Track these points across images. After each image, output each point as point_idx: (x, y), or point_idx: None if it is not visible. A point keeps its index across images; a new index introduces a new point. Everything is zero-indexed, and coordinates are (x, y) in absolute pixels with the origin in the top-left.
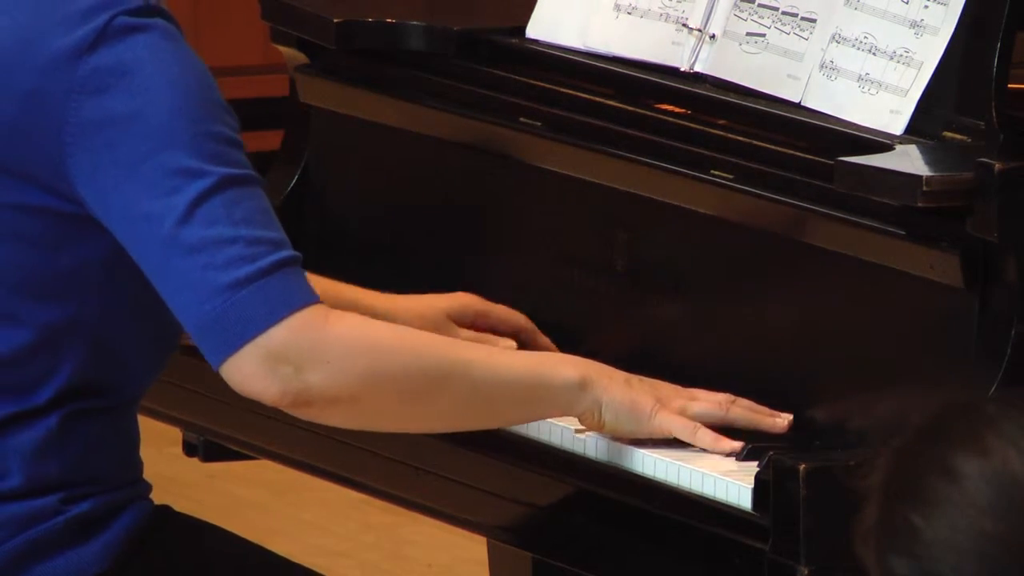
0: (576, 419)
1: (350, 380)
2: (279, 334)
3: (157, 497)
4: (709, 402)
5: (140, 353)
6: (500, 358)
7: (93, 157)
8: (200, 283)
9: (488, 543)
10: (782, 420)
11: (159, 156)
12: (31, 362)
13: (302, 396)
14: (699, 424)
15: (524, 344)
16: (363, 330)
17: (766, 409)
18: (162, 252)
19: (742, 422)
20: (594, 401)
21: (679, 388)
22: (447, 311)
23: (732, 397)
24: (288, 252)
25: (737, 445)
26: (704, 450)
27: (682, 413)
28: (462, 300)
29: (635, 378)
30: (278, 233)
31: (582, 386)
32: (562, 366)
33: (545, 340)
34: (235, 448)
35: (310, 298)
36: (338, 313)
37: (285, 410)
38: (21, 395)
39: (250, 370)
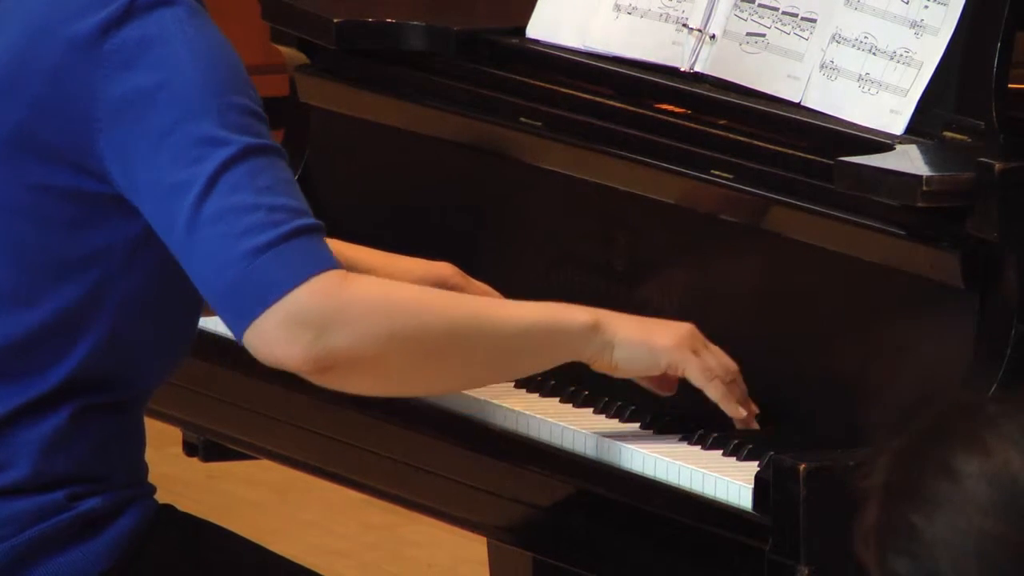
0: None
1: (372, 341)
2: (299, 297)
3: (158, 497)
4: (719, 362)
5: (151, 350)
6: (515, 310)
7: (122, 131)
8: (220, 251)
9: (488, 543)
10: (749, 414)
11: (184, 127)
12: (42, 347)
13: (325, 360)
14: (716, 374)
15: None
16: (382, 291)
17: (741, 396)
18: (186, 223)
19: (718, 399)
20: (606, 343)
21: (696, 332)
22: (422, 283)
23: (736, 369)
24: (309, 219)
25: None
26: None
27: (700, 355)
28: (442, 272)
29: (647, 319)
30: (300, 202)
31: (595, 328)
32: (574, 311)
33: None
34: (235, 448)
35: (330, 263)
36: (356, 275)
37: (308, 377)
38: (30, 382)
39: (272, 336)
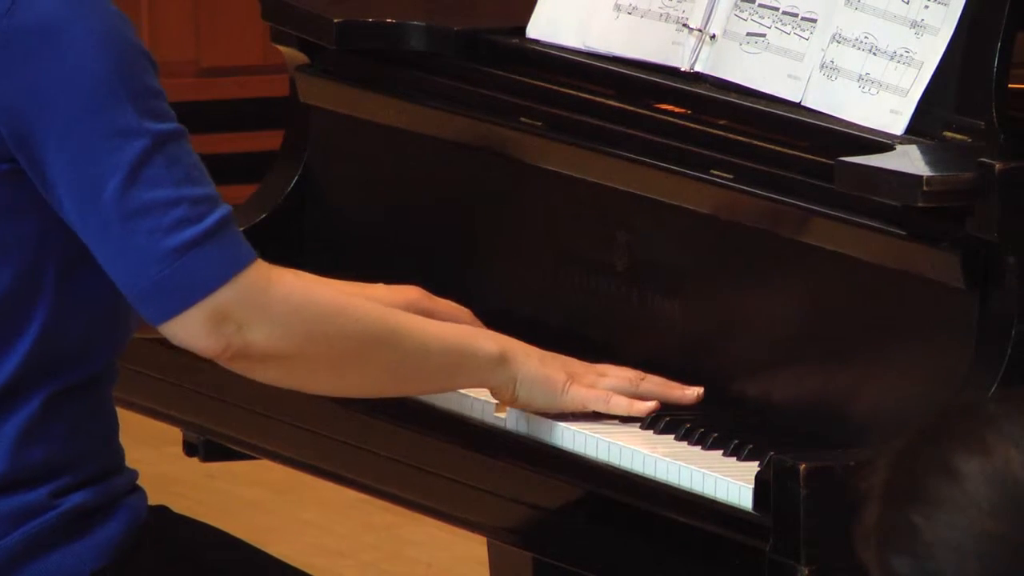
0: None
1: (290, 339)
2: (224, 295)
3: (157, 497)
4: (619, 378)
5: (102, 319)
6: (430, 328)
7: (31, 121)
8: (145, 248)
9: (488, 543)
10: (691, 392)
11: (95, 117)
12: None
13: (242, 351)
14: (611, 393)
15: None
16: (305, 290)
17: (677, 384)
18: (104, 215)
19: (652, 396)
20: (510, 376)
21: (589, 364)
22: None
23: (642, 374)
24: (227, 208)
25: (652, 405)
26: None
27: (593, 387)
28: (409, 296)
29: (548, 355)
30: (212, 187)
31: (501, 360)
32: (484, 340)
33: None
34: (235, 448)
35: (251, 256)
36: (279, 270)
37: (218, 362)
38: None
39: (195, 329)
